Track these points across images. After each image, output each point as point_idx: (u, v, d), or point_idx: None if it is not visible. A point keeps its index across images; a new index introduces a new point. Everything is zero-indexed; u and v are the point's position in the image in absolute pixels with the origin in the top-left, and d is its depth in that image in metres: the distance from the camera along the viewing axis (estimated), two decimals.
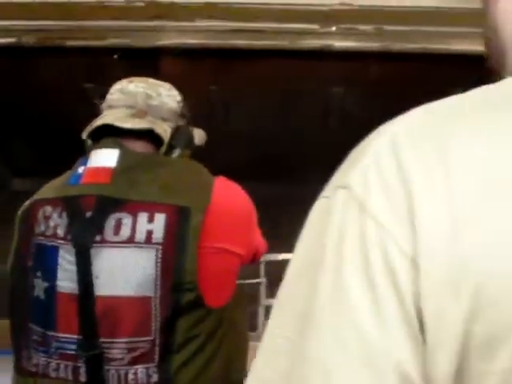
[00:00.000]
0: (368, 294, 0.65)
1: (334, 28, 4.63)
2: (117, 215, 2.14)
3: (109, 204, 2.17)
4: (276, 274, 4.34)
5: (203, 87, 5.25)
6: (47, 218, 2.22)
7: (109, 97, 2.49)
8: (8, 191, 6.34)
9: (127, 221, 2.12)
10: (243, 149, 5.61)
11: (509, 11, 0.83)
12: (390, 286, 0.64)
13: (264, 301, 4.71)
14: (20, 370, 2.27)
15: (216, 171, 5.87)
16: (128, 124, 2.33)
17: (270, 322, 0.75)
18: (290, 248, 0.80)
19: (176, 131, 2.41)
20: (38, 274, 2.19)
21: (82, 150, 5.66)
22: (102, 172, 2.25)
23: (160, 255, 2.09)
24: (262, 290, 4.69)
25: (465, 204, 0.64)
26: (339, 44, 4.76)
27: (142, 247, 2.10)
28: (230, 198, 2.33)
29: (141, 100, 2.39)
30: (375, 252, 0.66)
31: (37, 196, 2.39)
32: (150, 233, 2.10)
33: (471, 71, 4.53)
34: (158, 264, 2.08)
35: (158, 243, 2.10)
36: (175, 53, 4.99)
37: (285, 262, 0.78)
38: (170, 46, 4.91)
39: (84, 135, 2.42)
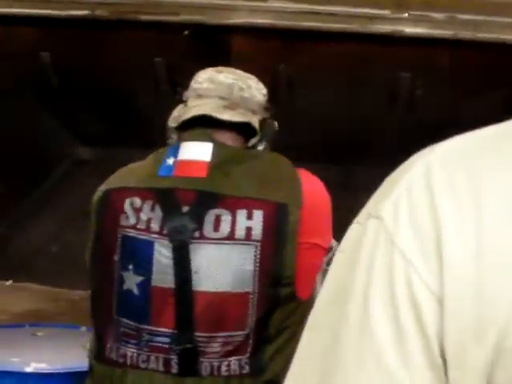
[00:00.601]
0: (392, 330, 0.65)
1: (405, 14, 4.61)
2: (216, 211, 2.15)
3: (207, 199, 2.18)
4: None
5: (271, 66, 5.25)
6: (137, 211, 2.19)
7: (195, 85, 2.39)
8: (73, 159, 6.45)
9: (226, 217, 2.13)
10: (306, 129, 5.60)
11: None
12: (415, 322, 0.64)
13: None
14: (102, 359, 2.27)
15: (278, 150, 5.92)
16: (225, 116, 2.27)
17: (301, 343, 0.75)
18: None
19: (263, 124, 2.42)
20: (130, 267, 2.18)
21: (148, 124, 5.77)
22: (197, 165, 2.23)
23: (259, 252, 2.11)
24: None
25: (494, 246, 0.63)
26: (410, 30, 4.75)
27: (241, 244, 2.12)
28: (317, 192, 2.31)
29: (235, 92, 2.32)
30: (401, 288, 0.65)
31: (115, 183, 2.34)
32: (249, 229, 2.12)
33: None
34: (257, 260, 2.11)
35: (256, 240, 2.12)
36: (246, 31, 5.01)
37: None
38: (240, 24, 4.94)
39: (172, 123, 2.41)
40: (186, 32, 5.06)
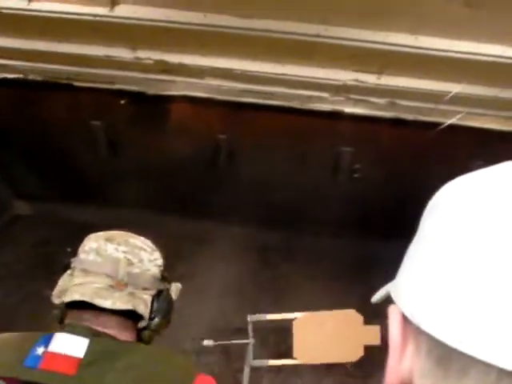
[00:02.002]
0: None
1: (344, 98, 4.55)
2: None
3: None
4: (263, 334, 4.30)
5: (212, 135, 5.19)
6: None
7: (82, 256, 2.18)
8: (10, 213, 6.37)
9: None
10: (246, 196, 5.57)
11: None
12: None
13: (251, 361, 4.67)
14: None
15: (216, 214, 5.85)
16: (108, 302, 2.12)
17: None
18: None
19: (156, 299, 2.28)
20: None
21: (85, 181, 5.69)
22: (67, 361, 2.09)
23: None
24: (250, 350, 4.65)
25: None
26: (349, 110, 4.69)
27: None
28: None
29: (122, 269, 2.14)
30: None
31: None
32: None
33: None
34: None
35: None
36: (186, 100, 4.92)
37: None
38: (179, 95, 4.85)
39: (55, 299, 2.26)
40: (122, 101, 4.97)
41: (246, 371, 4.67)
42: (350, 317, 4.41)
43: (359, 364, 5.85)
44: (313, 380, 5.76)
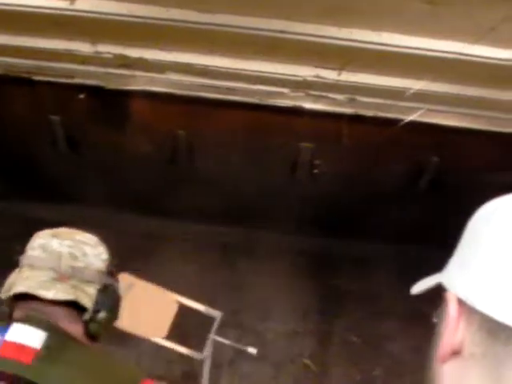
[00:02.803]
0: None
1: (304, 94, 4.56)
2: None
3: None
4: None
5: (171, 131, 5.16)
6: None
7: (29, 252, 2.25)
8: None
9: None
10: (205, 193, 5.56)
11: (448, 379, 0.92)
12: None
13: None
14: None
15: (177, 212, 5.83)
16: (50, 293, 2.15)
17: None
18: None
19: (102, 293, 2.29)
20: None
21: (44, 179, 5.63)
22: (24, 350, 2.13)
23: None
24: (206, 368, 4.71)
25: None
26: (309, 106, 4.71)
27: None
28: None
29: (64, 263, 2.18)
30: None
31: None
32: None
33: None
34: None
35: None
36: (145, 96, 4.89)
37: None
38: (138, 90, 4.82)
39: (3, 294, 2.28)
40: (81, 95, 4.93)
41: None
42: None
43: (317, 360, 5.92)
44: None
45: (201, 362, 4.80)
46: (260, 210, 5.55)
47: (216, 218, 5.70)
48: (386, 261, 5.85)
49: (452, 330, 0.90)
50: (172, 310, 4.63)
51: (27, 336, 2.10)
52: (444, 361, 0.92)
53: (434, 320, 0.97)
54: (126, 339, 4.66)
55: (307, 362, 5.79)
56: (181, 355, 5.04)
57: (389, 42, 3.76)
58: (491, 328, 0.84)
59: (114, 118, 5.18)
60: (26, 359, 2.05)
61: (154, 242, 6.04)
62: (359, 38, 3.74)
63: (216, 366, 4.97)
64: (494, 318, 0.82)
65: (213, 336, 4.73)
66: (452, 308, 0.90)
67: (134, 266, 5.87)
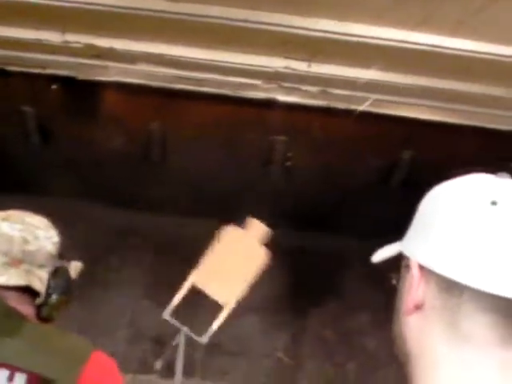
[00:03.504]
0: None
1: (276, 85, 4.54)
2: None
3: None
4: None
5: (143, 124, 5.14)
6: None
7: None
8: None
9: None
10: (178, 186, 5.54)
11: (413, 328, 1.09)
12: None
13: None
14: None
15: (150, 205, 5.81)
16: (3, 278, 2.16)
17: None
18: None
19: (53, 276, 2.27)
20: None
21: (17, 170, 5.60)
22: None
23: None
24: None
25: None
26: (282, 98, 4.69)
27: None
28: (101, 377, 2.15)
29: (16, 247, 2.18)
30: None
31: None
32: None
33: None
34: None
35: None
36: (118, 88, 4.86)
37: None
38: (110, 82, 4.79)
39: None
40: (53, 86, 4.90)
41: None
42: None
43: (291, 354, 5.90)
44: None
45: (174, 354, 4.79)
46: (234, 204, 5.52)
47: (189, 212, 5.69)
48: (360, 255, 5.81)
49: (415, 289, 1.08)
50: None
51: None
52: (409, 314, 1.10)
53: (393, 282, 1.17)
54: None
55: (281, 356, 5.77)
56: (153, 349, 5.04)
57: (355, 32, 3.74)
58: (447, 285, 1.04)
59: (87, 110, 5.16)
60: None
61: (124, 236, 6.01)
62: (325, 28, 3.72)
63: (189, 360, 4.95)
64: (448, 277, 1.03)
65: (184, 329, 4.71)
66: (415, 271, 1.09)
67: (107, 259, 5.87)
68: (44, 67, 4.78)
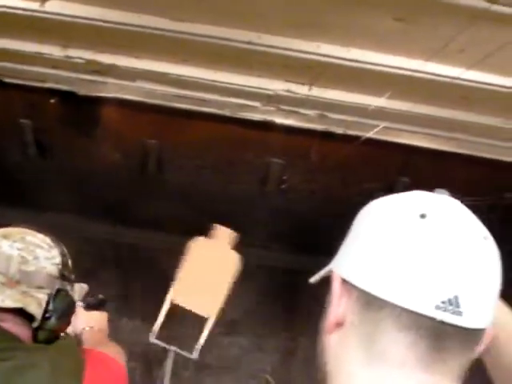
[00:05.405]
0: None
1: (275, 108, 4.55)
2: None
3: None
4: None
5: (141, 140, 5.14)
6: None
7: None
8: None
9: None
10: (175, 204, 5.53)
11: (333, 346, 1.08)
12: None
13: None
14: None
15: (144, 221, 5.79)
16: None
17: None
18: None
19: (53, 299, 2.21)
20: None
21: (14, 183, 5.58)
22: None
23: None
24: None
25: None
26: (280, 121, 4.70)
27: None
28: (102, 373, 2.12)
29: (14, 267, 2.08)
30: None
31: None
32: None
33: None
34: None
35: None
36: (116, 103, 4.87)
37: None
38: (110, 98, 4.79)
39: None
40: (52, 100, 4.90)
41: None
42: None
43: (278, 375, 5.88)
44: None
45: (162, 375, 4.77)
46: (230, 223, 5.52)
47: (184, 230, 5.66)
48: None
49: (336, 304, 1.07)
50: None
51: None
52: (330, 332, 1.08)
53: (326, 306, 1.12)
54: None
55: (268, 377, 5.75)
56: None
57: (358, 58, 3.74)
58: (367, 300, 1.00)
59: (85, 125, 5.16)
60: None
61: (119, 251, 5.99)
62: (328, 53, 3.72)
63: (177, 379, 4.93)
64: (368, 291, 0.99)
65: (172, 348, 4.70)
66: (336, 286, 1.07)
67: (102, 273, 5.84)
68: (44, 81, 4.78)
